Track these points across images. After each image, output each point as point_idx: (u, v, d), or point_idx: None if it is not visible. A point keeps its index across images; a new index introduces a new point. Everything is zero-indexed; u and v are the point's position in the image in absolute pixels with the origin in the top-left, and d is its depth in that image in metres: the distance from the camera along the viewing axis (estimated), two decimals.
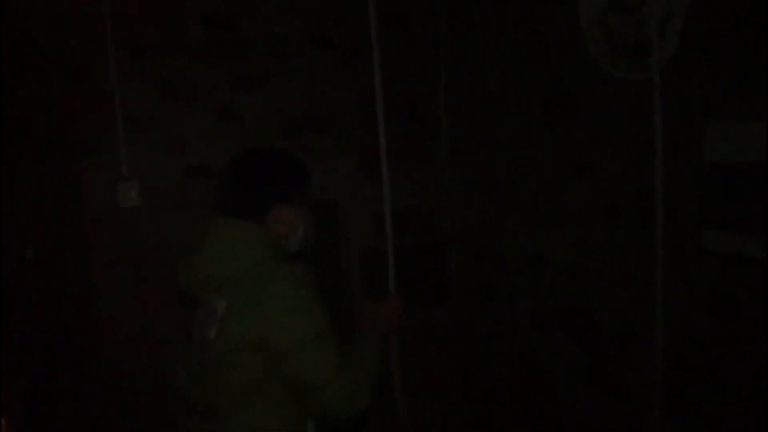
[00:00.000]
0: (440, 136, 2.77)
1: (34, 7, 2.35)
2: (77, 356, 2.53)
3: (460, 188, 2.79)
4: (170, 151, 2.47)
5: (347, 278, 2.69)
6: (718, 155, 1.66)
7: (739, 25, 1.61)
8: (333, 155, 2.66)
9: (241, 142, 2.45)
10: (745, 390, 1.68)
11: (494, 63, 2.56)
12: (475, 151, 2.72)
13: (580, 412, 2.28)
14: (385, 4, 2.71)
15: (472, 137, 2.73)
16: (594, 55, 2.00)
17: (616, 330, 2.10)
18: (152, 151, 2.43)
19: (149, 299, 2.43)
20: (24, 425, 2.44)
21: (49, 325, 2.45)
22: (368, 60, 2.63)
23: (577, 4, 2.02)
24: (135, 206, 2.41)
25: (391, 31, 2.70)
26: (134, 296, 2.46)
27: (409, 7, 2.73)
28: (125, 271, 2.45)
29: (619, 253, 2.06)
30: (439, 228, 2.76)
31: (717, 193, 1.67)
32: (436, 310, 2.72)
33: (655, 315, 1.87)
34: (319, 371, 1.43)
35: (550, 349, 2.40)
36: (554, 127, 2.29)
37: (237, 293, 1.42)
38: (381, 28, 2.70)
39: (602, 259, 2.13)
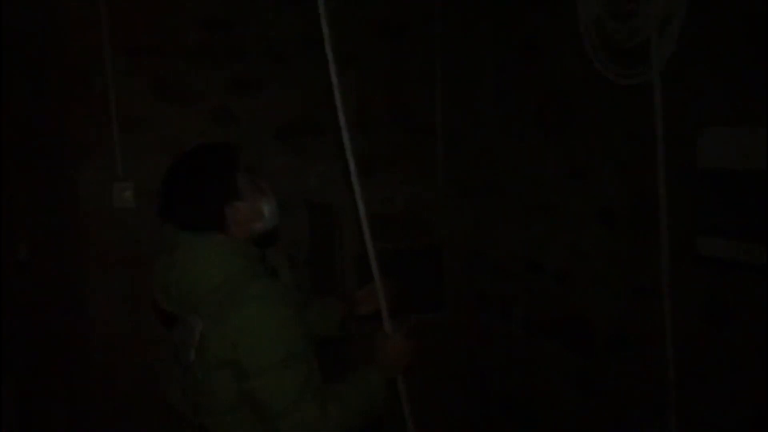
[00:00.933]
0: (436, 141, 2.77)
1: (31, 9, 2.35)
2: (70, 356, 2.52)
3: (455, 192, 2.78)
4: (165, 153, 2.45)
5: (342, 281, 2.68)
6: (715, 161, 1.66)
7: (738, 30, 1.62)
8: (328, 158, 2.65)
9: (238, 154, 2.45)
10: (739, 396, 1.68)
11: (490, 68, 2.57)
12: (470, 156, 2.73)
13: (574, 417, 2.27)
14: (382, 10, 2.74)
15: (468, 142, 2.73)
16: (592, 60, 2.00)
17: (611, 336, 2.10)
18: (147, 152, 2.43)
19: (142, 301, 2.42)
20: (17, 424, 2.43)
21: (42, 325, 2.44)
22: (364, 63, 2.64)
23: (572, 10, 2.03)
24: (130, 207, 2.41)
25: (388, 36, 2.71)
26: (127, 297, 2.45)
27: (406, 13, 2.74)
28: (119, 272, 2.44)
29: (614, 258, 2.06)
30: (434, 232, 2.76)
31: (713, 198, 1.67)
32: (429, 315, 2.71)
33: (650, 320, 1.87)
34: (277, 399, 1.35)
35: (544, 355, 2.40)
36: (549, 132, 2.29)
37: (211, 311, 1.37)
38: (378, 33, 2.73)
39: (597, 265, 2.13)
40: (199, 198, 1.43)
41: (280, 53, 2.59)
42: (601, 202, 2.09)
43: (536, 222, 2.39)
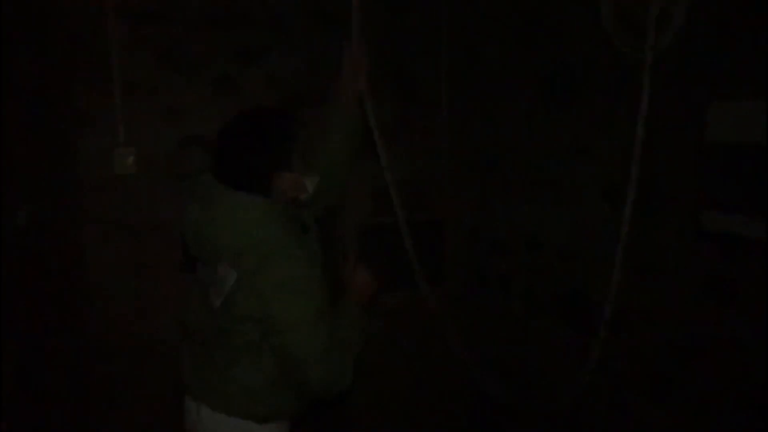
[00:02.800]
0: (440, 115, 2.75)
1: None
2: (69, 324, 2.52)
3: (458, 167, 2.77)
4: (167, 121, 2.45)
5: (344, 254, 2.67)
6: (719, 135, 1.64)
7: (745, 4, 1.59)
8: None
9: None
10: (739, 372, 1.68)
11: (496, 42, 2.54)
12: (474, 131, 2.71)
13: (573, 396, 2.27)
14: None
15: (473, 116, 2.71)
16: (602, 33, 1.97)
17: (612, 313, 2.08)
18: (149, 119, 2.41)
19: (142, 267, 2.42)
20: (15, 393, 2.44)
21: (42, 291, 2.44)
22: (369, 36, 2.60)
23: None
24: (131, 174, 2.40)
25: (394, 8, 2.68)
26: (127, 263, 2.45)
27: None
28: (119, 238, 2.44)
29: (617, 235, 2.04)
30: (435, 206, 2.75)
31: (719, 173, 1.66)
32: (427, 289, 2.70)
33: (653, 298, 1.86)
34: (308, 352, 1.45)
35: (544, 333, 2.39)
36: (555, 108, 2.27)
37: (247, 267, 1.44)
38: (384, 5, 2.69)
39: (599, 242, 2.11)
40: (254, 162, 1.48)
41: (286, 23, 2.56)
42: (606, 178, 2.07)
43: (539, 198, 2.37)
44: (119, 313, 2.48)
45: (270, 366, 1.52)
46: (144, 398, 2.52)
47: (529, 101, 2.38)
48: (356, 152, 1.89)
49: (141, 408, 2.53)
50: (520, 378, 2.54)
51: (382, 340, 2.74)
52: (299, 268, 1.45)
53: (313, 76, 2.61)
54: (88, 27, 2.36)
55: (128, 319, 2.49)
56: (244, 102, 2.52)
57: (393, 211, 2.05)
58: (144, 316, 2.49)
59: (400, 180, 2.08)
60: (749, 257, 1.61)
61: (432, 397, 2.90)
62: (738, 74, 1.62)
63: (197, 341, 1.62)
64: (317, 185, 1.59)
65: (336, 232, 2.68)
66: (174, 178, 2.45)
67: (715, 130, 1.65)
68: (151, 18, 2.41)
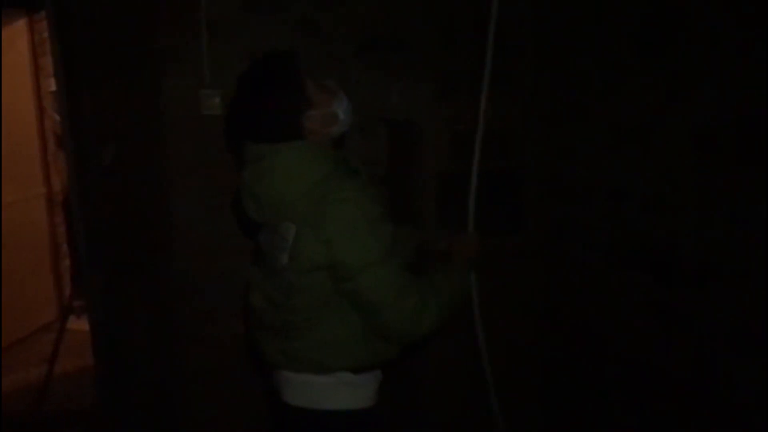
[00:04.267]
0: (524, 61, 2.66)
1: None
2: (153, 261, 2.63)
3: (541, 115, 2.69)
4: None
5: (420, 201, 2.67)
6: None
7: None
8: (410, 74, 2.60)
9: (317, 56, 2.43)
10: None
11: None
12: (560, 75, 2.61)
13: (653, 351, 2.21)
14: None
15: (559, 60, 2.61)
16: None
17: (700, 266, 2.00)
18: (233, 60, 2.44)
19: (224, 206, 2.49)
20: (102, 320, 2.58)
21: (127, 230, 2.54)
22: None
23: None
24: (216, 114, 2.44)
25: None
26: (211, 203, 2.52)
27: None
28: (203, 178, 2.51)
29: (709, 185, 1.95)
30: (516, 155, 2.69)
31: None
32: (507, 239, 2.68)
33: (746, 250, 1.77)
34: (381, 293, 1.44)
35: (625, 286, 2.32)
36: (649, 51, 2.15)
37: (304, 215, 1.43)
38: None
39: (689, 192, 2.02)
40: (275, 113, 1.46)
41: None
42: (701, 126, 1.96)
43: (625, 147, 2.28)
44: (202, 250, 2.57)
45: (352, 316, 1.50)
46: (227, 334, 2.61)
47: (620, 43, 2.26)
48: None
49: (224, 341, 2.62)
50: (598, 333, 2.49)
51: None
52: (358, 208, 1.42)
53: (391, 19, 2.56)
54: None
55: (211, 257, 2.57)
56: (325, 44, 2.52)
57: (471, 159, 2.01)
58: (226, 253, 2.56)
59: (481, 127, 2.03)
60: None
61: (501, 355, 2.87)
62: None
63: (267, 319, 1.60)
64: (348, 109, 1.54)
65: (414, 180, 2.67)
66: None
67: None
68: None
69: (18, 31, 4.27)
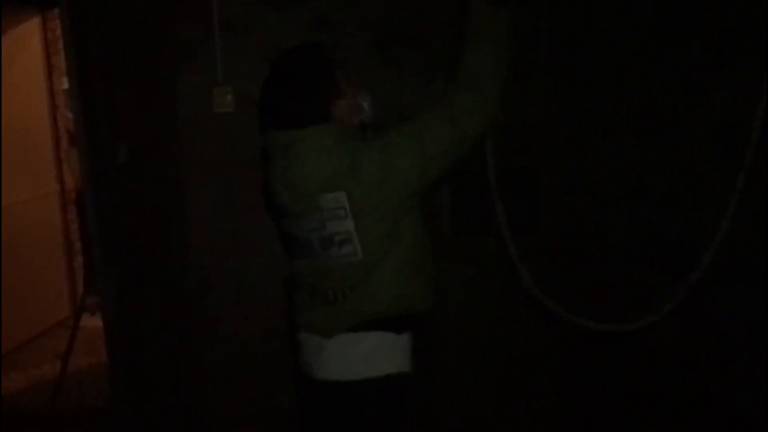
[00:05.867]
0: (538, 55, 2.63)
1: None
2: (167, 258, 2.63)
3: (556, 111, 2.66)
4: (264, 59, 2.45)
5: (434, 201, 2.65)
6: None
7: None
8: (424, 72, 2.58)
9: (331, 54, 2.41)
10: None
11: None
12: (575, 71, 2.58)
13: (672, 351, 2.19)
14: None
15: (574, 55, 2.58)
16: None
17: (719, 265, 1.97)
18: (247, 57, 2.44)
19: (238, 204, 2.48)
20: (116, 317, 2.58)
21: (140, 227, 2.54)
22: None
23: None
24: (229, 112, 2.44)
25: None
26: (224, 201, 2.52)
27: None
28: (217, 175, 2.50)
29: (730, 183, 1.91)
30: (531, 151, 2.66)
31: None
32: (522, 237, 2.65)
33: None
34: (480, 120, 1.57)
35: (642, 284, 2.30)
36: (667, 43, 2.12)
37: (345, 182, 1.49)
38: None
39: (710, 190, 1.99)
40: (308, 99, 1.53)
41: None
42: (722, 122, 1.93)
43: (643, 143, 2.25)
44: (215, 247, 2.56)
45: (407, 250, 1.58)
46: (243, 331, 2.61)
47: (638, 36, 2.23)
48: (505, 54, 1.66)
49: (237, 338, 2.62)
50: (616, 332, 2.46)
51: (473, 288, 2.72)
52: (384, 138, 1.54)
53: (405, 16, 2.55)
54: None
55: (224, 253, 2.57)
56: (338, 41, 2.50)
57: (484, 157, 1.99)
58: (238, 252, 2.55)
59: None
60: None
61: (520, 349, 2.86)
62: None
63: (319, 291, 1.63)
64: (372, 103, 1.64)
65: None
66: None
67: None
68: None
69: (31, 29, 4.28)
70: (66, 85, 3.91)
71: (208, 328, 2.63)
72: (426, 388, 2.73)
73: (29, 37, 4.26)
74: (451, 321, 2.69)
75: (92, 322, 3.97)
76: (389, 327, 1.60)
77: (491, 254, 2.63)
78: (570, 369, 2.79)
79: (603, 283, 2.51)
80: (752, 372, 1.84)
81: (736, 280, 1.90)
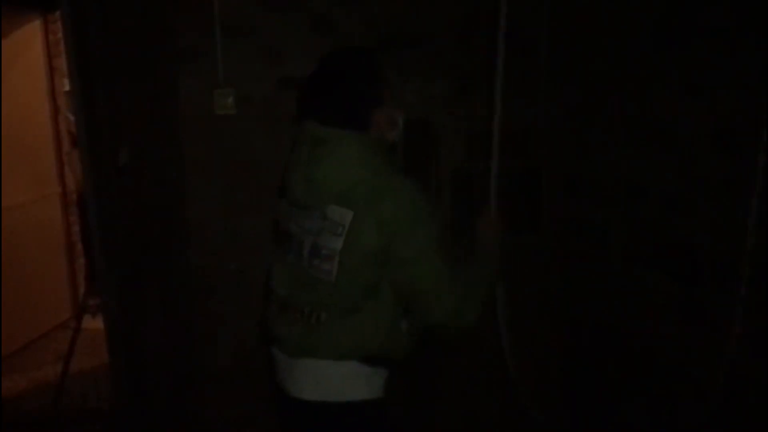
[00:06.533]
0: (538, 57, 2.63)
1: None
2: (167, 260, 2.63)
3: (556, 112, 2.67)
4: (265, 62, 2.47)
5: (437, 200, 2.65)
6: None
7: None
8: (426, 73, 2.59)
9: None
10: None
11: None
12: (575, 72, 2.58)
13: (674, 352, 2.19)
14: None
15: (574, 56, 2.58)
16: None
17: (721, 265, 1.98)
18: (248, 59, 2.44)
19: (238, 206, 2.48)
20: (117, 319, 2.58)
21: (141, 229, 2.54)
22: None
23: None
24: (230, 114, 2.44)
25: None
26: (225, 203, 2.52)
27: None
28: (217, 177, 2.51)
29: (729, 183, 1.92)
30: (533, 153, 2.67)
31: None
32: (524, 238, 2.66)
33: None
34: (434, 281, 1.47)
35: (644, 285, 2.30)
36: (668, 46, 2.12)
37: (363, 200, 1.46)
38: None
39: (709, 190, 1.99)
40: (355, 101, 1.52)
41: None
42: (720, 122, 1.94)
43: (643, 145, 2.25)
44: (216, 250, 2.57)
45: (389, 305, 1.52)
46: (243, 331, 2.61)
47: (638, 38, 2.24)
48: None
49: (237, 340, 2.62)
50: (617, 332, 2.47)
51: None
52: (413, 198, 1.47)
53: (409, 17, 2.55)
54: None
55: (224, 256, 2.57)
56: (341, 43, 2.51)
57: (487, 158, 2.00)
58: (239, 253, 2.56)
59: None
60: None
61: (524, 354, 2.85)
62: None
63: (294, 303, 1.60)
64: (403, 121, 1.61)
65: (430, 180, 2.66)
66: (271, 119, 2.48)
67: None
68: None
69: (33, 31, 4.29)
70: (67, 87, 3.91)
71: (209, 329, 2.63)
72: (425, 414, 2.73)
73: (31, 40, 4.27)
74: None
75: (94, 323, 3.97)
76: (365, 361, 1.56)
77: None
78: (573, 374, 2.79)
79: (603, 283, 2.51)
80: (752, 372, 1.84)
81: (735, 280, 1.90)
